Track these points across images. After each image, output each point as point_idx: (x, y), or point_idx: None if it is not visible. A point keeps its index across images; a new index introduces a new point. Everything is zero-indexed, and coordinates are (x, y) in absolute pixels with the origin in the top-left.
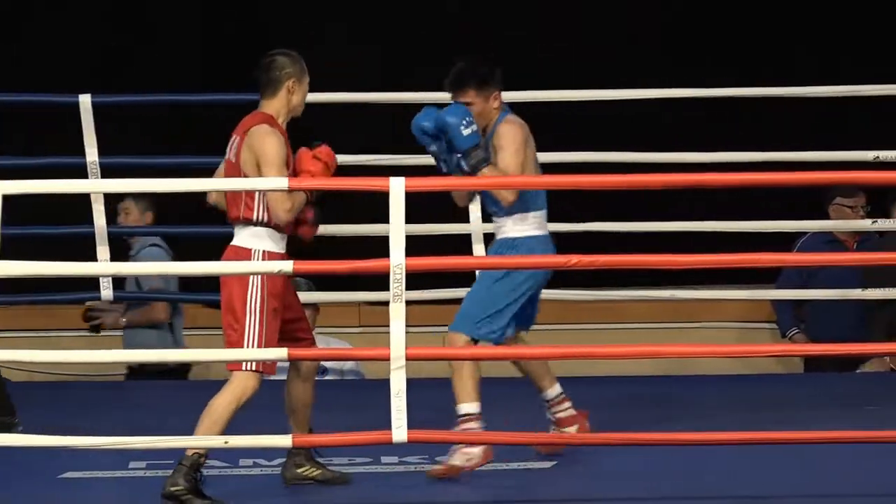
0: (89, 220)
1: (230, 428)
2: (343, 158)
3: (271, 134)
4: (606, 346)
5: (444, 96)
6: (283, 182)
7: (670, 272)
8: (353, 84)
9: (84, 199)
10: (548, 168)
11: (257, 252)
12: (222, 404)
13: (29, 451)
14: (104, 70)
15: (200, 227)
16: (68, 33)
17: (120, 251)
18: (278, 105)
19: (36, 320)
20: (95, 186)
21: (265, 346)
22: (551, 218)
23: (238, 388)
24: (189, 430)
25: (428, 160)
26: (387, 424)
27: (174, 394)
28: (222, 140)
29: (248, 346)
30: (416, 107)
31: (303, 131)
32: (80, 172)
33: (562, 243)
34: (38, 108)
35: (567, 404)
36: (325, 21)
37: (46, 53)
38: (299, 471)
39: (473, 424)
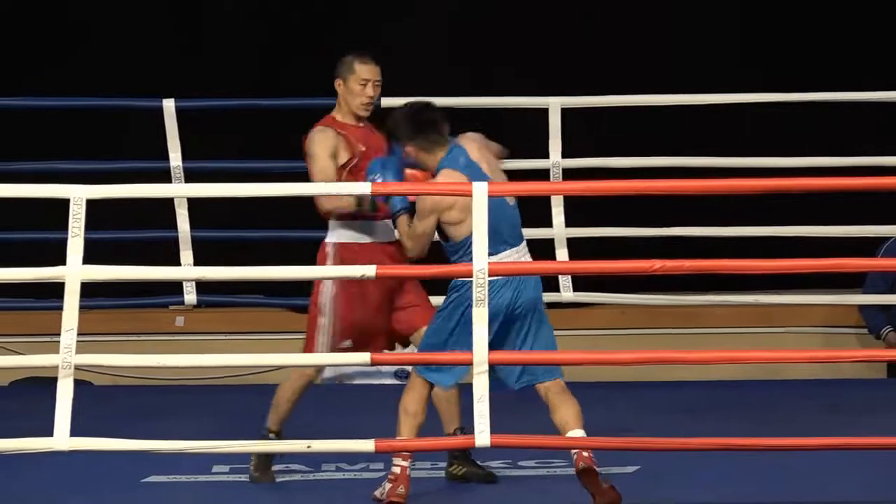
0: (173, 224)
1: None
2: None
3: (317, 132)
4: (690, 352)
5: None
6: (366, 187)
7: (754, 277)
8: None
9: (168, 204)
10: (632, 173)
11: (329, 245)
12: (286, 389)
13: (113, 455)
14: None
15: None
16: (145, 37)
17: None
18: (337, 105)
19: (120, 324)
20: (179, 191)
21: (335, 339)
22: (637, 222)
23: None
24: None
25: (509, 165)
26: (470, 429)
27: (258, 398)
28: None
29: (317, 341)
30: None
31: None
32: (165, 176)
33: (645, 248)
34: (122, 112)
35: None
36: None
37: (130, 57)
38: (450, 469)
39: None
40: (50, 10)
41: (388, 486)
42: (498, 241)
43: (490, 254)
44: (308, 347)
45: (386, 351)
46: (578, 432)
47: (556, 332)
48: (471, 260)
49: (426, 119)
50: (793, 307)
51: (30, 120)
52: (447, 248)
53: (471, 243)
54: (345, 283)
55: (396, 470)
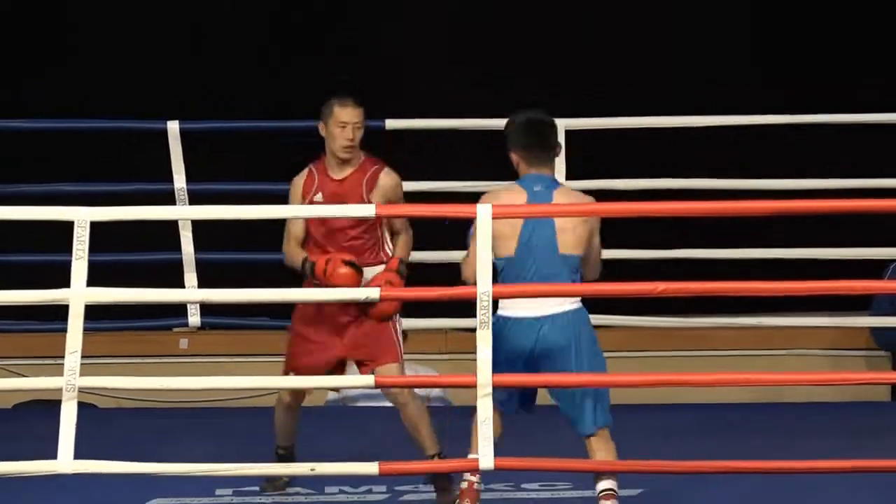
0: (178, 246)
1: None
2: (425, 185)
3: (295, 179)
4: (695, 374)
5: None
6: (370, 209)
7: (759, 299)
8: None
9: (172, 226)
10: (637, 195)
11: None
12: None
13: (117, 477)
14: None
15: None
16: (151, 58)
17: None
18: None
19: (124, 347)
20: (184, 213)
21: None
22: (642, 244)
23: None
24: (272, 457)
25: None
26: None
27: (259, 420)
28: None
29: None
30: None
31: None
32: (169, 198)
33: (649, 270)
34: (126, 134)
35: None
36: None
37: (132, 79)
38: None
39: None
40: (49, 28)
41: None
42: (527, 280)
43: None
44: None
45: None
46: (606, 483)
47: None
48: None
49: (537, 132)
50: (798, 329)
51: (34, 142)
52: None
53: (503, 268)
54: (300, 313)
55: (464, 485)
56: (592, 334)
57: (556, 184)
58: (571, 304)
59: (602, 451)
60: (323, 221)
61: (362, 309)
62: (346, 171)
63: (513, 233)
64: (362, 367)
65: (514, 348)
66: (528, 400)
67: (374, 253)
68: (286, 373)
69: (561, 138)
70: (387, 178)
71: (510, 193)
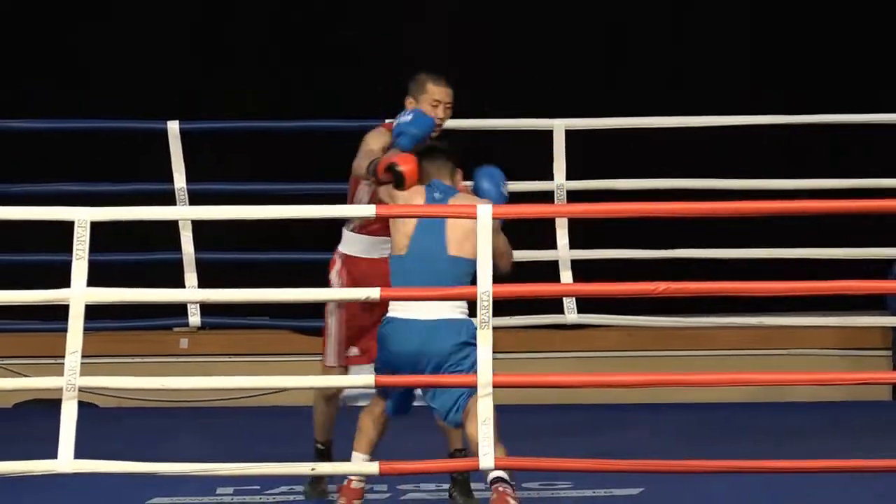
0: (178, 246)
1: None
2: None
3: (376, 131)
4: (696, 374)
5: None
6: (371, 209)
7: (760, 299)
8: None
9: (173, 226)
10: (637, 195)
11: (338, 255)
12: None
13: (117, 477)
14: (190, 96)
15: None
16: (153, 58)
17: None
18: None
19: (125, 346)
20: (184, 213)
21: (341, 347)
22: (642, 244)
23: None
24: (276, 457)
25: (513, 187)
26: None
27: (260, 420)
28: (310, 165)
29: (327, 349)
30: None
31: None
32: (169, 199)
33: (650, 270)
34: (125, 135)
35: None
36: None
37: (134, 77)
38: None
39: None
40: (49, 28)
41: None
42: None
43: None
44: (322, 354)
45: None
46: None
47: (560, 355)
48: (394, 280)
49: (428, 151)
50: (800, 329)
51: (35, 142)
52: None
53: (395, 265)
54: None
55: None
56: (474, 350)
57: (453, 190)
58: (461, 312)
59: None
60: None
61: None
62: None
63: (405, 229)
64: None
65: (399, 350)
66: (407, 402)
67: None
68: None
69: (561, 138)
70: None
71: (413, 194)
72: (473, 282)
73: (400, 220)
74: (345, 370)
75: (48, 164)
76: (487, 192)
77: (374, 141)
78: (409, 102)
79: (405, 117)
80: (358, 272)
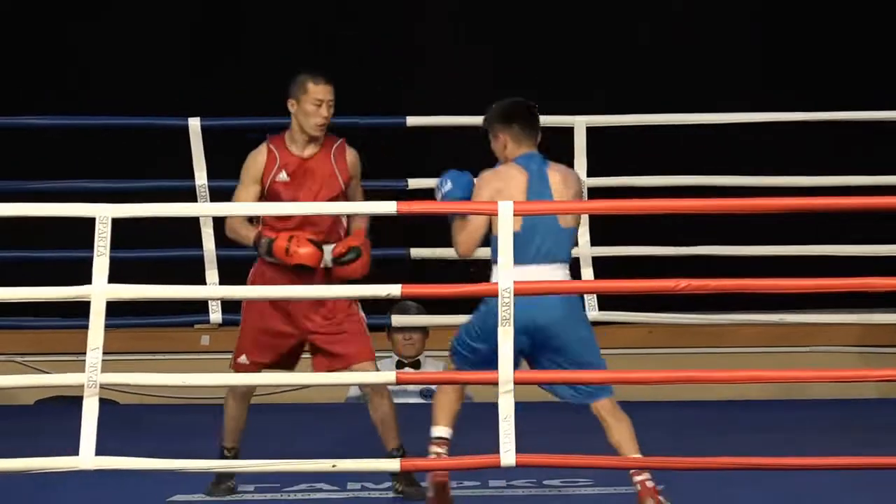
0: (199, 243)
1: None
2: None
3: (250, 154)
4: (716, 371)
5: (548, 119)
6: (391, 206)
7: (780, 296)
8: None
9: (194, 222)
10: (658, 192)
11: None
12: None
13: (138, 474)
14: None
15: None
16: (174, 54)
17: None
18: (291, 125)
19: (146, 343)
20: (205, 210)
21: (236, 353)
22: (663, 241)
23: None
24: (296, 454)
25: None
26: (495, 448)
27: (280, 417)
28: None
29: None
30: None
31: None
32: (190, 195)
33: (670, 267)
34: (147, 131)
35: None
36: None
37: (154, 74)
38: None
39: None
40: (69, 24)
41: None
42: (532, 253)
43: (520, 263)
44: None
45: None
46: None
47: None
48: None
49: (524, 113)
50: (820, 326)
51: (55, 138)
52: (493, 241)
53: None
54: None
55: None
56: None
57: (545, 161)
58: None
59: (620, 419)
60: (294, 194)
61: (327, 273)
62: (314, 148)
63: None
64: (331, 360)
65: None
66: None
67: (335, 229)
68: (238, 355)
69: (582, 136)
70: (352, 152)
71: (510, 171)
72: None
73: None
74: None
75: (69, 161)
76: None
77: (245, 173)
78: (291, 104)
79: (446, 187)
80: (262, 279)
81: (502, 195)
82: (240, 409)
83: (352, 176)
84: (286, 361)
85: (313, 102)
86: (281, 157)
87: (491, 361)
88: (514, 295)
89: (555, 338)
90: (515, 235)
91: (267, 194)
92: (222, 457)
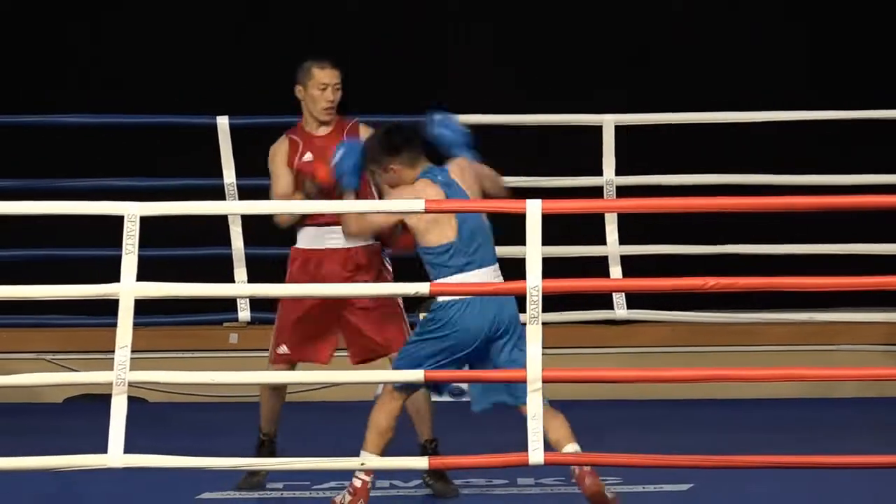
0: (227, 241)
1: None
2: None
3: (274, 145)
4: (744, 369)
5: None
6: (419, 204)
7: (808, 294)
8: (494, 105)
9: (222, 221)
10: (686, 190)
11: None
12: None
13: (167, 471)
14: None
15: None
16: (203, 54)
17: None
18: (303, 113)
19: (174, 341)
20: (233, 208)
21: (274, 343)
22: (691, 239)
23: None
24: (326, 452)
25: (563, 182)
26: (523, 446)
27: (309, 415)
28: None
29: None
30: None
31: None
32: (219, 193)
33: (699, 265)
34: (176, 130)
35: None
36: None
37: (184, 74)
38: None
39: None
40: (98, 22)
41: (347, 497)
42: (471, 256)
43: (462, 269)
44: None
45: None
46: (572, 447)
47: (609, 350)
48: (448, 269)
49: (402, 137)
50: (848, 325)
51: (85, 137)
52: (422, 251)
53: (451, 253)
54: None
55: (357, 483)
56: None
57: (441, 168)
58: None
59: (554, 416)
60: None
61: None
62: (325, 130)
63: (448, 218)
64: (371, 346)
65: (477, 324)
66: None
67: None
68: (277, 346)
69: (610, 134)
70: (367, 130)
71: (422, 186)
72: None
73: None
74: (290, 367)
75: (98, 160)
76: (445, 136)
77: (275, 164)
78: (299, 90)
79: (336, 158)
80: (303, 263)
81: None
82: (274, 398)
83: None
84: (323, 351)
85: (318, 87)
86: (303, 140)
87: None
88: (542, 294)
89: (506, 334)
90: (458, 243)
91: (296, 179)
92: (259, 442)
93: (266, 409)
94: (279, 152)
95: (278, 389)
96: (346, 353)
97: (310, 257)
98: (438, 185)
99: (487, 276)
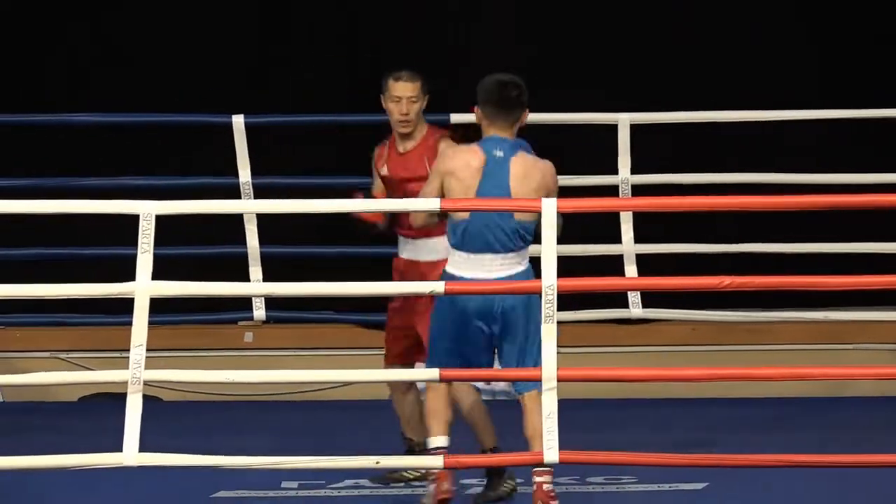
0: (243, 240)
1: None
2: None
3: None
4: (760, 368)
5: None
6: (435, 203)
7: (825, 293)
8: None
9: (237, 220)
10: (702, 189)
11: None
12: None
13: (182, 470)
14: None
15: (354, 248)
16: (219, 52)
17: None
18: None
19: (189, 340)
20: (248, 207)
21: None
22: (707, 238)
23: None
24: (340, 450)
25: (579, 181)
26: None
27: (324, 414)
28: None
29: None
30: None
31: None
32: (234, 192)
33: (715, 264)
34: (191, 129)
35: None
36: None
37: (199, 73)
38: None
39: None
40: (113, 22)
41: (431, 486)
42: (480, 245)
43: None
44: None
45: None
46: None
47: (625, 349)
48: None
49: (500, 94)
50: (864, 324)
51: (100, 136)
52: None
53: (463, 229)
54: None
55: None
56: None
57: (516, 148)
58: (523, 266)
59: (536, 411)
60: (397, 189)
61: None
62: (409, 145)
63: (468, 194)
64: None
65: (471, 308)
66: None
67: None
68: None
69: (626, 132)
70: (443, 145)
71: (468, 153)
72: (536, 241)
73: (460, 187)
74: (410, 365)
75: (113, 159)
76: None
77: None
78: (382, 100)
79: None
80: (409, 275)
81: (454, 176)
82: (404, 401)
83: None
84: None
85: (393, 99)
86: (388, 152)
87: (460, 355)
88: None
89: (512, 325)
90: (466, 224)
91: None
92: (407, 449)
93: (403, 415)
94: (374, 157)
95: (406, 392)
96: (362, 353)
97: (408, 269)
98: (486, 156)
99: (494, 263)
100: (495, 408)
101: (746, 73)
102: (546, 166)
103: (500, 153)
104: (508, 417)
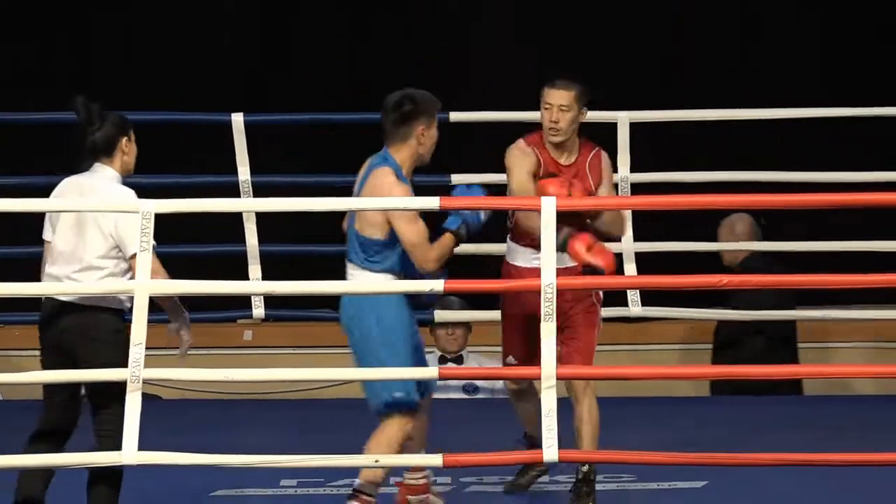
0: (242, 238)
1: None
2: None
3: (515, 149)
4: (757, 367)
5: (591, 115)
6: (434, 202)
7: (822, 291)
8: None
9: (237, 218)
10: (700, 187)
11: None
12: None
13: (181, 469)
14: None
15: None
16: (218, 52)
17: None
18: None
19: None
20: (248, 205)
21: (503, 356)
22: (705, 237)
23: None
24: (340, 449)
25: None
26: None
27: (323, 412)
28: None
29: None
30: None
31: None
32: (233, 191)
33: (713, 262)
34: (190, 127)
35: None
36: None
37: (199, 72)
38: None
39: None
40: (115, 21)
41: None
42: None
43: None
44: None
45: None
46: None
47: (623, 347)
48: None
49: (385, 110)
50: (863, 322)
51: None
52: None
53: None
54: (506, 302)
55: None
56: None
57: (382, 162)
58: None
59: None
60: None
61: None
62: (573, 157)
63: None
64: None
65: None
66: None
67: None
68: (505, 356)
69: (625, 131)
70: (607, 158)
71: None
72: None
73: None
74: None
75: None
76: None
77: (519, 166)
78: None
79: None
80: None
81: None
82: (519, 403)
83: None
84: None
85: (544, 105)
86: (544, 163)
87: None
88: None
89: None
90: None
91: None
92: (528, 445)
93: (520, 414)
94: (528, 161)
95: (520, 391)
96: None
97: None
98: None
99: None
100: (495, 407)
101: (746, 72)
102: (381, 180)
103: (369, 167)
104: (508, 417)
